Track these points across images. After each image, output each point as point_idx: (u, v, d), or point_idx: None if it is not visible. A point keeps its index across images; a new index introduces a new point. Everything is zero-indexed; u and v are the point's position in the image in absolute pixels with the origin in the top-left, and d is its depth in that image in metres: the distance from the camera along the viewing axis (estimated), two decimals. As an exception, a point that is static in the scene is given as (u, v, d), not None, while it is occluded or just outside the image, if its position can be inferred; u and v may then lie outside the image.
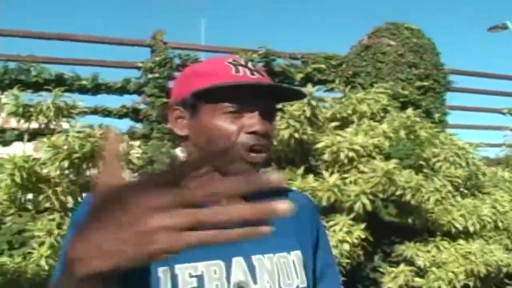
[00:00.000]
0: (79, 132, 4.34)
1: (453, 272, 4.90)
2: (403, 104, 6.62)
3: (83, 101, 5.10)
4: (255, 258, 1.16)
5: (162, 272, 1.05)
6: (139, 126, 5.94)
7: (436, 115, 7.19)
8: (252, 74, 1.17)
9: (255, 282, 1.14)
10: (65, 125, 4.74)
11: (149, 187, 0.61)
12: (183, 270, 1.08)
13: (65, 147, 4.16)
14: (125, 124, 5.99)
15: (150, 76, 5.91)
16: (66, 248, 0.83)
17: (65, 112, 4.60)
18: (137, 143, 5.01)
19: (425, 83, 7.24)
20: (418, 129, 5.81)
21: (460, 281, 4.89)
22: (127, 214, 0.60)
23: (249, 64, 1.20)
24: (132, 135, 5.58)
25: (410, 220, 5.10)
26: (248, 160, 1.14)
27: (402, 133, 5.52)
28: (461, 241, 5.32)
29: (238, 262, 1.14)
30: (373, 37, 7.44)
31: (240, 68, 1.17)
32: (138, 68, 6.04)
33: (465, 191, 5.95)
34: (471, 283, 4.99)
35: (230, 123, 1.14)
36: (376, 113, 5.76)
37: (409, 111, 5.84)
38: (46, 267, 3.86)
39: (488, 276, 5.20)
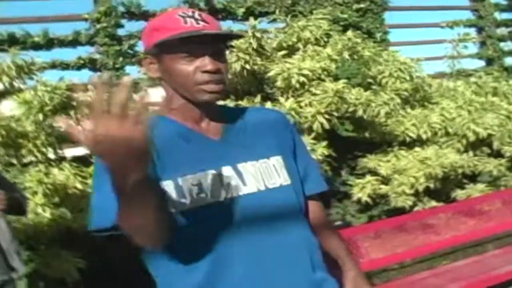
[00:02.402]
0: (46, 85, 4.65)
1: (413, 176, 5.50)
2: (344, 27, 7.10)
3: (40, 57, 5.33)
4: (240, 166, 1.52)
5: (165, 185, 1.43)
6: (98, 75, 6.19)
7: (378, 35, 7.73)
8: (197, 23, 1.47)
9: (244, 184, 1.51)
10: (29, 82, 5.00)
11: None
12: (185, 181, 1.45)
13: (35, 102, 4.51)
14: (84, 74, 6.26)
15: (98, 26, 6.22)
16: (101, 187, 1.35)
17: (26, 69, 4.85)
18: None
19: (362, 5, 7.72)
20: (360, 49, 6.29)
21: (421, 184, 5.50)
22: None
23: (196, 14, 1.50)
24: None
25: (367, 134, 5.68)
26: (208, 90, 1.50)
27: (346, 55, 6.00)
28: (417, 149, 5.93)
29: (227, 170, 1.50)
30: (303, -35, 7.80)
31: (188, 19, 1.48)
32: (85, 19, 6.29)
33: (415, 103, 6.53)
34: (431, 185, 5.61)
35: (187, 65, 1.47)
36: (319, 39, 6.18)
37: (349, 33, 6.32)
38: (44, 214, 4.24)
39: (446, 178, 5.84)
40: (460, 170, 5.94)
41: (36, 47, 5.95)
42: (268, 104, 5.14)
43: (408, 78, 6.24)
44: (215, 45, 1.50)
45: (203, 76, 1.48)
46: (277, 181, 1.55)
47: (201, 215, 1.43)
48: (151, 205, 1.23)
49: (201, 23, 1.49)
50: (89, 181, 4.26)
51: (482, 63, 9.70)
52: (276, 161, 1.58)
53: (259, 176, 1.53)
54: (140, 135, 1.05)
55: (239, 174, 1.51)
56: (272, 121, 1.68)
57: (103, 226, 1.38)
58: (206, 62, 1.46)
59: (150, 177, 1.18)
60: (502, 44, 9.99)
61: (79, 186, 4.42)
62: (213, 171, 1.48)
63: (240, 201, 1.48)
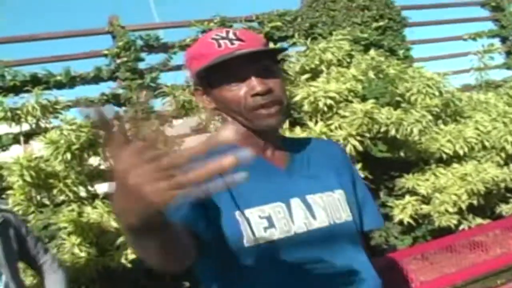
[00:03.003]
0: (71, 124, 4.63)
1: (455, 194, 5.32)
2: (365, 46, 7.00)
3: (63, 95, 5.35)
4: (309, 198, 1.45)
5: (237, 215, 1.34)
6: (122, 110, 6.18)
7: (400, 52, 7.61)
8: (232, 43, 1.39)
9: (314, 218, 1.43)
10: (54, 121, 5.04)
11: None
12: (253, 213, 1.36)
13: (62, 141, 4.50)
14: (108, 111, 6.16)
15: (118, 61, 6.18)
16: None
17: (50, 109, 4.91)
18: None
19: (381, 23, 7.62)
20: (385, 67, 6.18)
21: (464, 202, 5.33)
22: (118, 174, 0.87)
23: (230, 34, 1.41)
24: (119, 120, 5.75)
25: (402, 154, 5.53)
26: (265, 114, 1.40)
27: (371, 74, 5.89)
28: (455, 165, 5.76)
29: (296, 202, 1.42)
30: (319, -13, 7.76)
31: (221, 42, 1.39)
32: (105, 55, 6.26)
33: (447, 119, 6.39)
34: (475, 202, 5.43)
35: (236, 91, 1.39)
36: (342, 60, 6.10)
37: (372, 52, 6.22)
38: (81, 254, 4.24)
39: (489, 193, 5.66)
40: (502, 184, 5.77)
41: (59, 85, 5.93)
42: (298, 129, 5.04)
43: (437, 93, 6.09)
44: (258, 63, 1.41)
45: (255, 101, 1.39)
46: (342, 215, 1.48)
47: (269, 250, 1.36)
48: (155, 246, 1.07)
49: (236, 42, 1.40)
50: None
51: (510, 72, 9.53)
52: (340, 194, 1.52)
53: (327, 210, 1.46)
54: (169, 200, 0.85)
55: (308, 206, 1.44)
56: (332, 153, 1.63)
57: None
58: (253, 84, 1.38)
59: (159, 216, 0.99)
60: (528, 52, 9.82)
61: (113, 223, 4.37)
62: (282, 203, 1.41)
63: (310, 236, 1.41)
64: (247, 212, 1.35)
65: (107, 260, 4.37)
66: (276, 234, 1.36)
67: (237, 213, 1.34)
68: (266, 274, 1.35)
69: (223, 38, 1.41)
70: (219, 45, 1.39)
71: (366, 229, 1.62)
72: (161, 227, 0.98)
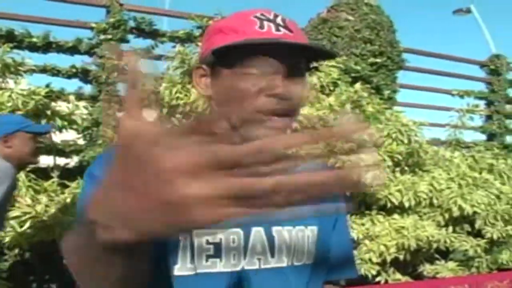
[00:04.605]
0: (23, 89, 4.18)
1: (385, 245, 4.94)
2: (354, 79, 6.58)
3: (31, 58, 4.87)
4: (275, 230, 1.09)
5: (182, 237, 0.99)
6: (88, 87, 5.77)
7: (386, 92, 7.18)
8: (278, 30, 1.03)
9: (272, 255, 1.08)
10: (11, 82, 4.56)
11: (181, 140, 0.49)
12: (201, 236, 1.02)
13: (9, 104, 4.03)
14: (74, 84, 5.80)
15: (102, 37, 5.69)
16: (84, 205, 0.63)
17: (12, 68, 4.42)
18: (83, 103, 4.87)
19: (378, 60, 7.20)
20: (365, 104, 5.77)
21: (390, 254, 4.95)
22: (154, 176, 0.48)
23: (279, 19, 1.05)
24: (79, 95, 5.40)
25: (347, 193, 5.11)
26: (269, 125, 1.01)
27: (348, 107, 5.47)
28: (395, 216, 5.37)
29: (257, 232, 1.07)
30: (332, 11, 7.35)
31: (266, 23, 1.04)
32: (91, 28, 5.81)
33: (406, 168, 5.96)
34: (401, 256, 5.05)
35: (251, 84, 1.01)
36: (325, 86, 5.71)
37: (357, 85, 5.78)
38: None
39: (418, 250, 5.27)
40: (435, 245, 5.36)
41: (33, 48, 5.46)
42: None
43: (406, 141, 5.66)
44: (293, 61, 1.03)
45: (267, 102, 1.00)
46: (303, 258, 1.11)
47: (206, 283, 1.01)
48: (119, 273, 0.67)
49: (283, 30, 1.03)
50: (41, 196, 3.75)
51: (483, 137, 9.11)
52: (311, 232, 1.14)
53: (291, 248, 1.09)
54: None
55: (270, 240, 1.07)
56: None
57: None
58: (277, 83, 1.00)
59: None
60: (508, 121, 9.39)
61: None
62: (241, 231, 1.05)
63: (259, 275, 1.05)
64: (195, 233, 1.00)
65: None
66: (218, 266, 1.03)
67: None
68: None
69: (269, 20, 1.04)
70: (262, 26, 1.03)
71: (333, 278, 1.23)
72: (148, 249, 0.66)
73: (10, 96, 4.02)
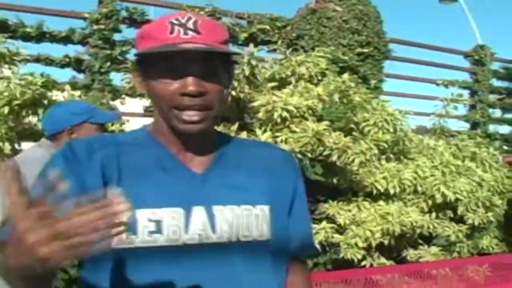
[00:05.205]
0: (21, 79, 4.24)
1: (370, 230, 5.09)
2: (342, 69, 6.67)
3: (26, 48, 4.91)
4: (216, 208, 1.18)
5: None
6: (81, 76, 5.83)
7: (373, 82, 7.30)
8: (185, 33, 1.13)
9: (213, 231, 1.17)
10: (6, 71, 4.60)
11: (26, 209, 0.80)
12: (142, 214, 1.12)
13: (6, 94, 4.11)
14: (67, 73, 5.87)
15: (95, 27, 5.77)
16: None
17: (7, 58, 4.48)
18: (78, 93, 4.93)
19: (365, 50, 7.31)
20: (352, 94, 5.86)
21: (376, 239, 5.10)
22: (17, 234, 0.80)
23: (190, 22, 1.15)
24: (73, 85, 5.48)
25: (335, 180, 5.27)
26: (185, 119, 1.14)
27: (336, 97, 5.57)
28: (381, 202, 5.52)
29: (198, 211, 1.17)
30: (320, 2, 7.43)
31: (176, 28, 1.14)
32: (84, 18, 5.87)
33: (391, 156, 6.11)
34: (386, 241, 5.21)
35: (168, 84, 1.14)
36: (314, 76, 5.80)
37: (345, 76, 5.87)
38: None
39: (403, 235, 5.44)
40: (418, 230, 5.54)
41: (26, 37, 5.53)
42: (244, 134, 4.74)
43: (391, 130, 5.81)
44: (206, 62, 1.15)
45: (181, 100, 1.13)
46: (252, 234, 1.20)
47: (147, 257, 1.12)
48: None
49: (190, 33, 1.13)
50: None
51: (466, 125, 9.29)
52: (261, 210, 1.22)
53: (234, 224, 1.18)
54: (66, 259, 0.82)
55: (211, 218, 1.17)
56: (274, 163, 1.32)
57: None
58: (188, 82, 1.12)
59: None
60: (491, 110, 9.57)
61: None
62: (180, 209, 1.15)
63: (202, 250, 1.15)
64: (138, 212, 1.11)
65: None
66: (160, 240, 1.12)
67: None
68: (132, 278, 1.12)
69: (180, 24, 1.14)
70: (172, 31, 1.13)
71: (293, 254, 1.33)
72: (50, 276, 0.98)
73: (8, 85, 4.09)
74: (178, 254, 1.14)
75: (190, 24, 1.15)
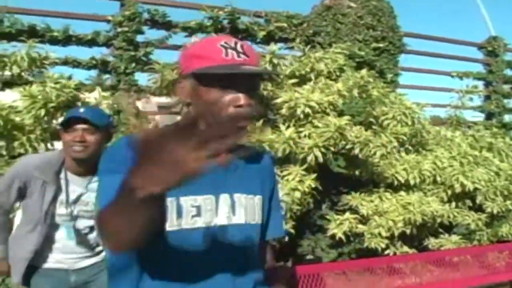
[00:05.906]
0: (56, 83, 4.43)
1: (392, 220, 5.24)
2: (358, 64, 6.81)
3: (55, 52, 5.09)
4: (236, 196, 1.47)
5: (169, 201, 1.35)
6: (107, 77, 6.02)
7: (389, 76, 7.43)
8: (238, 56, 1.38)
9: (234, 214, 1.46)
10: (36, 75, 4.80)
11: (174, 133, 0.89)
12: (186, 201, 1.39)
13: (40, 97, 4.29)
14: (94, 75, 6.04)
15: (119, 29, 5.96)
16: (113, 182, 1.09)
17: (38, 62, 4.69)
18: (105, 93, 5.10)
19: (381, 45, 7.43)
20: (370, 88, 6.00)
21: (398, 229, 5.25)
22: (167, 152, 0.89)
23: (238, 46, 1.39)
24: (100, 86, 5.65)
25: (357, 172, 5.42)
26: (237, 125, 1.35)
27: (355, 92, 5.71)
28: (402, 193, 5.67)
29: (224, 198, 1.45)
30: (335, -2, 7.54)
31: (229, 51, 1.37)
32: (108, 21, 6.05)
33: (410, 148, 6.24)
34: (408, 231, 5.35)
35: (221, 97, 1.36)
36: (332, 72, 5.95)
37: (363, 71, 6.00)
38: None
39: (424, 225, 5.57)
40: (439, 219, 5.68)
41: (53, 41, 5.73)
42: (268, 130, 4.91)
43: (409, 122, 5.95)
44: (252, 80, 1.41)
45: (235, 110, 1.38)
46: (255, 219, 1.52)
47: (190, 236, 1.38)
48: (148, 217, 1.07)
49: (242, 56, 1.39)
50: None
51: (482, 115, 9.37)
52: (259, 200, 1.55)
53: (247, 209, 1.49)
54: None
55: (233, 203, 1.47)
56: (263, 162, 1.63)
57: None
58: (240, 97, 1.37)
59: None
60: (505, 100, 9.64)
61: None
62: (212, 196, 1.44)
63: (227, 229, 1.44)
64: (182, 199, 1.38)
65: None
66: (199, 222, 1.39)
67: (169, 199, 1.34)
68: (180, 256, 1.37)
69: (231, 48, 1.40)
70: (226, 54, 1.38)
71: (268, 238, 1.62)
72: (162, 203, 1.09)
73: (43, 89, 4.27)
74: (211, 233, 1.40)
75: (239, 48, 1.40)
